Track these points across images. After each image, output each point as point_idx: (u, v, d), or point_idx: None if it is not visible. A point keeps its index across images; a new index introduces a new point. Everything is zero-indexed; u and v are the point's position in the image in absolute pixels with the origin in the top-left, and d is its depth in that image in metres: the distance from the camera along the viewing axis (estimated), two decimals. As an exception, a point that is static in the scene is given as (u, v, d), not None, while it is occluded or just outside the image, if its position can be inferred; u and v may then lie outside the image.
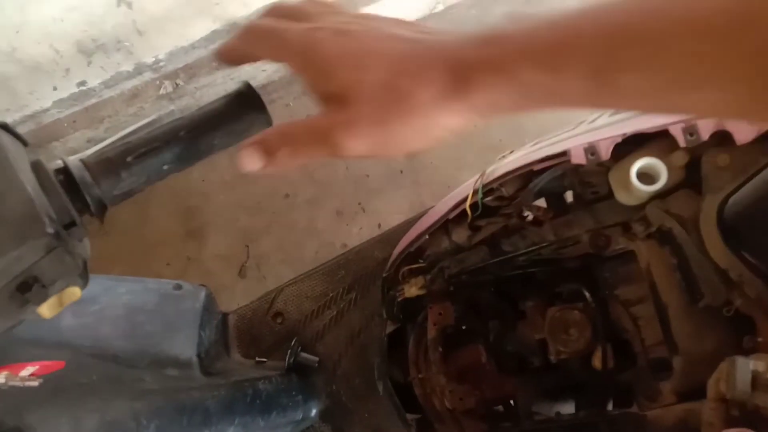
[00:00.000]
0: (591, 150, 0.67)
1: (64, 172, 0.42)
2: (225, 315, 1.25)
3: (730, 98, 0.26)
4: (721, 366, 0.61)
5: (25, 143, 0.41)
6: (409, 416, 1.06)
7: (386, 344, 1.09)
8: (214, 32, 1.70)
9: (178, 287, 1.07)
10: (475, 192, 0.76)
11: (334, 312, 1.22)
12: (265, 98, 0.44)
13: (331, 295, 1.23)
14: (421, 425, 1.04)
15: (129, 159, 0.43)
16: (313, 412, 1.16)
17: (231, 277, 1.68)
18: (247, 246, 1.70)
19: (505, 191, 0.76)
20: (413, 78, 0.33)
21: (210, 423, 0.94)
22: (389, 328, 1.10)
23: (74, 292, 0.42)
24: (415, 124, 0.34)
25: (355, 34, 0.36)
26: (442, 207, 0.83)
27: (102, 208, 0.43)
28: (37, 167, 0.40)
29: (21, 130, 0.40)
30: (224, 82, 1.80)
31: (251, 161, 0.37)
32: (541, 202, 0.82)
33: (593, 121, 0.73)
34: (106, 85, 1.73)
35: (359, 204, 1.69)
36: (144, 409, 0.84)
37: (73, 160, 0.43)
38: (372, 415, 1.15)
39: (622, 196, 0.70)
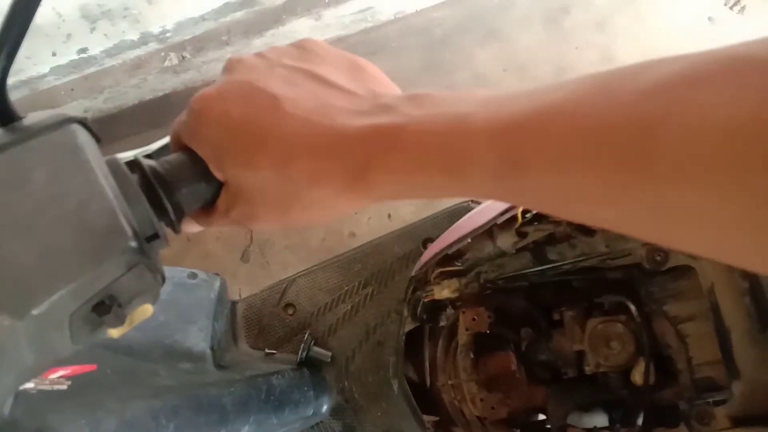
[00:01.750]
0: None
1: (140, 172, 0.37)
2: (234, 303, 1.21)
3: (626, 217, 0.24)
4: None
5: (98, 139, 0.36)
6: (425, 418, 1.03)
7: (404, 342, 1.05)
8: (226, 4, 1.62)
9: (193, 276, 1.02)
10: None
11: (349, 306, 1.18)
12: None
13: (346, 288, 1.19)
14: (438, 428, 1.01)
15: None
16: (324, 408, 1.13)
17: (233, 261, 1.62)
18: (251, 230, 1.65)
19: (561, 199, 0.72)
20: (307, 180, 0.32)
21: (227, 421, 0.90)
22: (407, 326, 1.06)
23: (146, 309, 0.38)
24: (312, 214, 0.34)
25: (235, 94, 0.34)
26: (489, 210, 0.79)
27: (180, 216, 0.38)
28: (114, 168, 0.35)
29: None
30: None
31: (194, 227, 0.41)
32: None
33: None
34: (109, 53, 1.64)
35: (369, 192, 1.64)
36: (162, 407, 0.80)
37: (146, 160, 0.38)
38: (385, 414, 1.12)
39: (690, 213, 0.67)
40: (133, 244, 0.33)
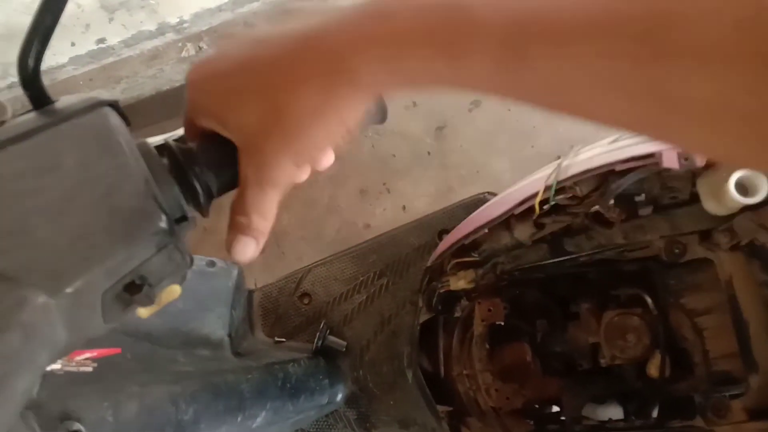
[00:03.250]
0: (685, 155, 0.63)
1: (170, 156, 0.38)
2: (250, 292, 1.22)
3: (633, 109, 0.23)
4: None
5: (128, 122, 0.37)
6: (439, 408, 1.04)
7: (418, 333, 1.06)
8: (243, -5, 1.63)
9: (212, 264, 1.03)
10: (548, 188, 0.72)
11: (364, 296, 1.19)
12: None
13: (361, 279, 1.20)
14: (452, 418, 1.01)
15: None
16: (339, 396, 1.14)
17: (249, 251, 1.63)
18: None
19: (579, 190, 0.73)
20: (289, 92, 0.31)
21: (244, 407, 0.91)
22: (422, 317, 1.06)
23: (174, 290, 0.39)
24: (318, 131, 0.32)
25: (216, 56, 0.34)
26: (506, 201, 0.79)
27: (208, 199, 0.38)
28: (145, 151, 0.36)
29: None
30: (249, 48, 1.73)
31: (248, 250, 0.38)
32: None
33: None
34: (126, 44, 1.66)
35: (384, 184, 1.65)
36: (181, 393, 0.81)
37: (177, 144, 0.38)
38: (399, 403, 1.13)
39: (710, 205, 0.66)
40: (164, 225, 0.33)
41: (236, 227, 0.37)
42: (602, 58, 0.23)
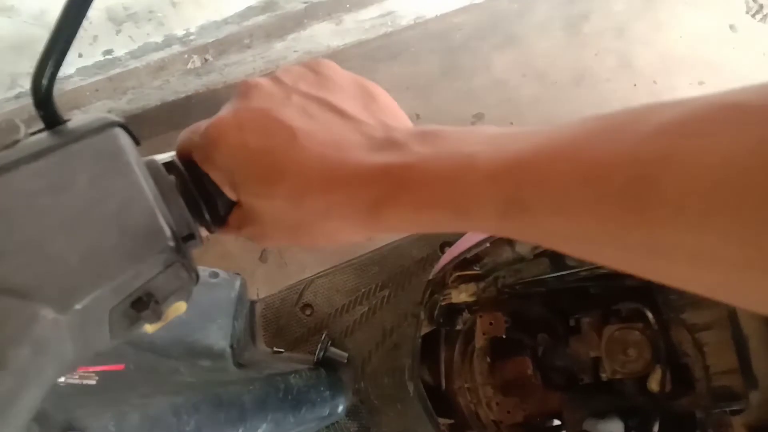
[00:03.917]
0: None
1: (177, 173, 0.38)
2: (253, 303, 1.22)
3: (628, 257, 0.24)
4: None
5: (137, 142, 0.38)
6: (440, 421, 1.04)
7: (420, 345, 1.06)
8: (249, 8, 1.65)
9: (214, 275, 1.04)
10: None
11: (366, 308, 1.19)
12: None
13: (363, 290, 1.20)
14: (453, 431, 1.01)
15: None
16: (340, 408, 1.14)
17: (251, 261, 1.64)
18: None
19: (580, 206, 0.73)
20: (320, 213, 0.33)
21: (245, 419, 0.91)
22: (424, 329, 1.07)
23: (180, 306, 0.39)
24: (321, 241, 0.35)
25: (247, 123, 0.34)
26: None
27: (215, 217, 0.39)
28: (153, 170, 0.36)
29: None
30: (254, 60, 1.75)
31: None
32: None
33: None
34: (133, 55, 1.67)
35: (387, 195, 1.65)
36: (183, 403, 0.81)
37: (184, 162, 0.39)
38: (400, 416, 1.13)
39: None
40: (171, 243, 0.34)
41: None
42: (591, 215, 0.24)
